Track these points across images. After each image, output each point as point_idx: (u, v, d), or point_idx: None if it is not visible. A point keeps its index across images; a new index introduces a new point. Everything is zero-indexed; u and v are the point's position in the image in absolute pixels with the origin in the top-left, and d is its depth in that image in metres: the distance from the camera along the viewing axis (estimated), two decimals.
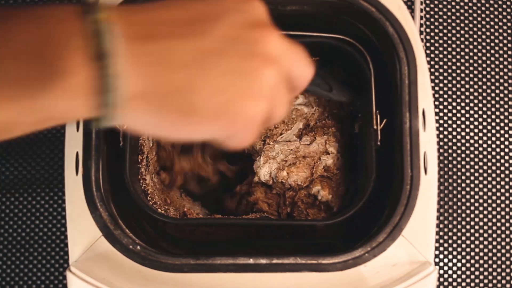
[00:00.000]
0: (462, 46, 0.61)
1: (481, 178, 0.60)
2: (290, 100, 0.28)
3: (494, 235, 0.59)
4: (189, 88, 0.23)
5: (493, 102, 0.61)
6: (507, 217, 0.59)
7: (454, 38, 0.62)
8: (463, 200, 0.59)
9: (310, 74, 0.28)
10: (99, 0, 0.23)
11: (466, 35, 0.62)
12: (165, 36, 0.23)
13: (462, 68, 0.61)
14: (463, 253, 0.59)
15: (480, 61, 0.61)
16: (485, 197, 0.59)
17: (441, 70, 0.61)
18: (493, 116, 0.60)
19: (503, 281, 0.58)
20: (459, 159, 0.60)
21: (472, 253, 0.59)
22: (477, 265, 0.58)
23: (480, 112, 0.61)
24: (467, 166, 0.60)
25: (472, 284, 0.58)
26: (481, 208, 0.59)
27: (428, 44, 0.61)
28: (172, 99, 0.23)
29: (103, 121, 0.23)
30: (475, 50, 0.61)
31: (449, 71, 0.61)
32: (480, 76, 0.61)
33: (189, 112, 0.24)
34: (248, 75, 0.24)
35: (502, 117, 0.60)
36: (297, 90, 0.29)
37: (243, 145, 0.28)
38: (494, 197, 0.59)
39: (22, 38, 0.21)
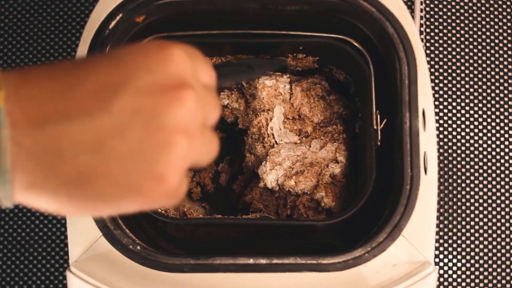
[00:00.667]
0: (462, 46, 0.61)
1: (481, 178, 0.60)
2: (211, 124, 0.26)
3: (494, 235, 0.59)
4: (88, 175, 0.21)
5: (493, 102, 0.61)
6: (507, 217, 0.59)
7: (454, 38, 0.62)
8: (463, 200, 0.59)
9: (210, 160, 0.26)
10: None
11: (466, 35, 0.62)
12: (61, 116, 0.21)
13: (462, 68, 0.61)
14: (463, 253, 0.59)
15: (480, 61, 0.61)
16: (485, 197, 0.59)
17: (441, 70, 0.61)
18: (493, 116, 0.60)
19: (503, 281, 0.58)
20: (459, 159, 0.60)
21: (472, 253, 0.59)
22: (477, 265, 0.58)
23: (480, 112, 0.61)
24: (467, 166, 0.60)
25: (472, 284, 0.58)
26: (481, 208, 0.59)
27: (428, 44, 0.61)
28: (71, 187, 0.21)
29: (3, 203, 0.21)
30: (475, 50, 0.61)
31: (449, 71, 0.61)
32: (480, 76, 0.61)
33: (92, 197, 0.22)
34: (151, 153, 0.22)
35: (502, 117, 0.60)
36: (211, 118, 0.26)
37: (172, 201, 0.25)
38: (494, 197, 0.59)
39: None
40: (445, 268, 0.58)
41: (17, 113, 0.20)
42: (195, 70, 0.24)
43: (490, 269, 0.58)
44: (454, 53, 0.61)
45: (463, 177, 0.60)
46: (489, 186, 0.59)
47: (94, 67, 0.22)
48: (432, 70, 0.61)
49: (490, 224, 0.59)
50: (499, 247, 0.59)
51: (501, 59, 0.61)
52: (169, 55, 0.23)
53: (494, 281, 0.58)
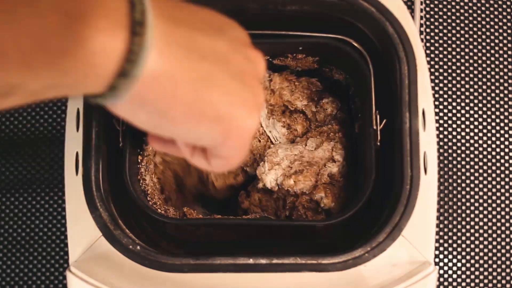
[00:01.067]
0: (462, 46, 0.61)
1: (481, 178, 0.60)
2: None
3: (494, 235, 0.59)
4: (206, 81, 0.23)
5: (493, 102, 0.61)
6: (507, 217, 0.59)
7: (454, 38, 0.62)
8: (463, 200, 0.59)
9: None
10: None
11: (466, 35, 0.62)
12: (188, 25, 0.23)
13: (462, 68, 0.61)
14: (463, 253, 0.59)
15: (480, 61, 0.61)
16: (485, 197, 0.59)
17: (441, 70, 0.61)
18: (493, 116, 0.60)
19: (503, 281, 0.58)
20: (459, 159, 0.60)
21: (472, 253, 0.59)
22: (477, 265, 0.58)
23: (480, 112, 0.61)
24: (467, 166, 0.60)
25: (472, 284, 0.58)
26: (481, 208, 0.59)
27: (428, 44, 0.61)
28: (186, 88, 0.22)
29: (112, 97, 0.22)
30: (475, 50, 0.61)
31: (449, 71, 0.61)
32: (480, 76, 0.61)
33: (198, 105, 0.23)
34: (249, 88, 0.25)
35: (502, 117, 0.60)
36: None
37: (233, 162, 0.27)
38: (494, 197, 0.59)
39: None
40: (445, 268, 0.58)
41: (157, 7, 0.22)
42: None
43: (490, 269, 0.58)
44: (454, 53, 0.61)
45: (463, 177, 0.60)
46: (489, 186, 0.59)
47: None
48: (432, 70, 0.61)
49: (490, 224, 0.59)
50: (499, 247, 0.59)
51: (501, 59, 0.61)
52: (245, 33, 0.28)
53: (494, 281, 0.58)
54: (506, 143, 0.60)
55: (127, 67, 0.21)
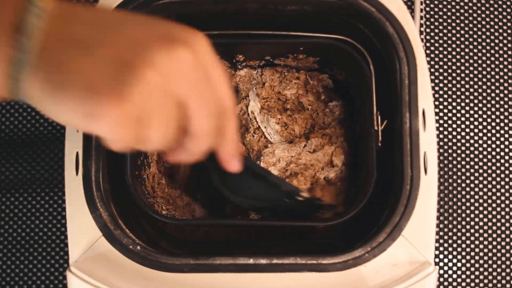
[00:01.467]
0: (462, 46, 0.61)
1: (481, 178, 0.60)
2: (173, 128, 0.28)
3: (494, 235, 0.59)
4: (69, 67, 0.25)
5: (493, 102, 0.61)
6: (507, 217, 0.59)
7: (454, 38, 0.62)
8: (463, 200, 0.59)
9: (205, 127, 0.29)
10: None
11: (466, 35, 0.62)
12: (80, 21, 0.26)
13: (462, 68, 0.61)
14: (463, 253, 0.59)
15: (480, 61, 0.61)
16: (485, 197, 0.59)
17: (441, 70, 0.61)
18: (493, 116, 0.60)
19: (503, 281, 0.58)
20: (459, 159, 0.60)
21: (472, 253, 0.59)
22: (477, 265, 0.58)
23: (480, 112, 0.61)
24: (467, 166, 0.60)
25: (472, 284, 0.58)
26: (481, 208, 0.59)
27: (428, 44, 0.61)
28: (54, 71, 0.25)
29: (13, 95, 0.25)
30: (475, 50, 0.61)
31: (449, 71, 0.61)
32: (480, 76, 0.61)
33: (61, 90, 0.25)
34: (124, 69, 0.25)
35: (502, 117, 0.60)
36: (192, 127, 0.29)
37: (115, 143, 0.27)
38: (494, 197, 0.59)
39: None
40: (445, 268, 0.58)
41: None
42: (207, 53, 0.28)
43: (490, 269, 0.58)
44: (454, 53, 0.61)
45: (463, 177, 0.60)
46: (489, 186, 0.59)
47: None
48: (432, 70, 0.61)
49: (490, 224, 0.59)
50: (499, 247, 0.59)
51: (501, 59, 0.61)
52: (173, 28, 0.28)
53: (494, 281, 0.58)
54: (506, 143, 0.60)
55: (14, 67, 0.25)
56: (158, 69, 0.25)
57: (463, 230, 0.59)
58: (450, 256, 0.59)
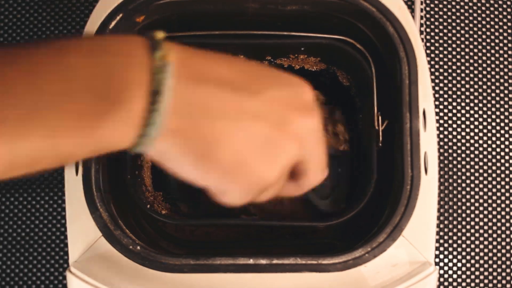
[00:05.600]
0: (462, 46, 0.61)
1: (481, 178, 0.60)
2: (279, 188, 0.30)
3: (494, 235, 0.59)
4: (218, 139, 0.25)
5: (493, 102, 0.61)
6: (507, 217, 0.59)
7: (454, 38, 0.62)
8: (463, 200, 0.59)
9: (319, 177, 0.30)
10: (163, 36, 0.25)
11: (466, 35, 0.62)
12: (215, 83, 0.24)
13: (462, 68, 0.61)
14: (463, 253, 0.59)
15: (480, 61, 0.61)
16: (485, 197, 0.59)
17: (441, 70, 0.61)
18: (493, 116, 0.60)
19: (503, 281, 0.58)
20: (459, 159, 0.60)
21: (472, 253, 0.59)
22: (477, 265, 0.58)
23: (480, 112, 0.60)
24: (467, 166, 0.60)
25: (472, 284, 0.58)
26: (481, 208, 0.59)
27: (428, 44, 0.61)
28: (199, 143, 0.24)
29: (136, 149, 0.25)
30: (475, 50, 0.61)
31: (449, 71, 0.61)
32: (480, 76, 0.61)
33: (208, 159, 0.25)
34: (271, 145, 0.26)
35: (502, 117, 0.60)
36: (300, 186, 0.31)
37: (233, 202, 0.28)
38: (494, 197, 0.59)
39: (86, 72, 0.22)
40: (445, 268, 0.58)
41: (181, 69, 0.24)
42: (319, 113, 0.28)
43: (490, 269, 0.58)
44: (454, 53, 0.61)
45: (463, 177, 0.60)
46: (489, 186, 0.59)
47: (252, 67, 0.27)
48: (432, 70, 0.61)
49: (490, 224, 0.59)
50: (499, 247, 0.59)
51: (501, 59, 0.61)
52: (305, 87, 0.28)
53: (494, 281, 0.58)
54: (506, 143, 0.60)
55: (146, 129, 0.23)
56: (298, 140, 0.27)
57: (463, 230, 0.59)
58: (450, 256, 0.59)
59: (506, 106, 0.61)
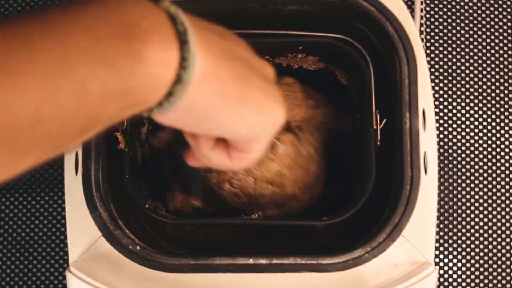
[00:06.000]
0: (462, 46, 0.61)
1: (481, 178, 0.60)
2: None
3: (494, 235, 0.59)
4: (243, 78, 0.25)
5: (493, 102, 0.61)
6: (507, 217, 0.59)
7: (454, 38, 0.62)
8: (463, 200, 0.59)
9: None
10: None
11: (466, 35, 0.62)
12: (215, 32, 0.26)
13: (462, 68, 0.61)
14: (463, 253, 0.59)
15: (480, 61, 0.61)
16: (485, 197, 0.59)
17: (441, 70, 0.61)
18: (493, 116, 0.60)
19: (503, 281, 0.58)
20: (459, 159, 0.60)
21: (472, 253, 0.59)
22: (477, 265, 0.58)
23: (480, 112, 0.60)
24: (467, 166, 0.60)
25: (472, 284, 0.58)
26: (481, 208, 0.59)
27: (428, 44, 0.61)
28: (230, 85, 0.25)
29: (168, 104, 0.24)
30: (475, 50, 0.61)
31: (449, 71, 0.61)
32: (480, 76, 0.61)
33: (241, 100, 0.25)
34: (272, 86, 0.28)
35: (502, 117, 0.60)
36: None
37: (255, 155, 0.30)
38: (494, 197, 0.59)
39: (110, 18, 0.22)
40: (445, 268, 0.58)
41: (189, 18, 0.24)
42: None
43: (490, 269, 0.58)
44: (454, 53, 0.61)
45: (463, 177, 0.60)
46: (489, 186, 0.59)
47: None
48: (432, 70, 0.61)
49: (490, 224, 0.59)
50: (499, 247, 0.59)
51: (501, 59, 0.61)
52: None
53: (494, 281, 0.58)
54: (506, 143, 0.60)
55: (181, 73, 0.23)
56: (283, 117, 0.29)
57: (463, 230, 0.59)
58: (450, 256, 0.59)
59: (506, 106, 0.61)
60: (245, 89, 0.26)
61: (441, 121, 0.60)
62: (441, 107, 0.60)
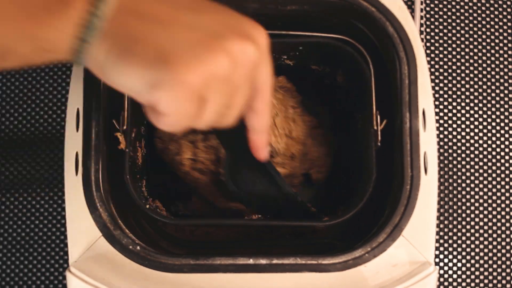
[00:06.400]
0: (462, 46, 0.61)
1: (481, 178, 0.60)
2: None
3: (494, 235, 0.59)
4: (142, 37, 0.26)
5: (493, 102, 0.61)
6: (507, 217, 0.59)
7: (454, 38, 0.62)
8: (463, 200, 0.59)
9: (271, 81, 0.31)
10: None
11: (466, 35, 0.62)
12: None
13: (462, 68, 0.61)
14: (463, 253, 0.59)
15: (480, 61, 0.61)
16: (485, 197, 0.59)
17: (441, 70, 0.61)
18: (493, 116, 0.60)
19: (503, 281, 0.58)
20: (459, 159, 0.60)
21: (472, 253, 0.59)
22: (477, 265, 0.58)
23: (480, 112, 0.60)
24: (467, 166, 0.60)
25: (472, 284, 0.58)
26: (481, 208, 0.59)
27: (428, 44, 0.61)
28: (122, 40, 0.26)
29: (75, 57, 0.26)
30: (475, 50, 0.61)
31: (449, 71, 0.61)
32: (480, 76, 0.61)
33: (130, 55, 0.26)
34: (200, 49, 0.26)
35: (502, 117, 0.60)
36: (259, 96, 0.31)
37: (171, 121, 0.28)
38: (494, 197, 0.59)
39: None
40: (445, 268, 0.58)
41: None
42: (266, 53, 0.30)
43: (490, 269, 0.58)
44: (454, 53, 0.61)
45: (463, 177, 0.60)
46: (489, 186, 0.59)
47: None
48: (432, 70, 0.61)
49: (490, 224, 0.59)
50: (499, 247, 0.59)
51: (501, 59, 0.61)
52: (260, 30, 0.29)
53: (494, 281, 0.58)
54: (506, 143, 0.60)
55: (83, 32, 0.25)
56: (230, 57, 0.27)
57: (463, 230, 0.59)
58: (450, 256, 0.59)
59: (506, 106, 0.61)
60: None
61: (441, 121, 0.60)
62: (441, 107, 0.60)
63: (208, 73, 0.26)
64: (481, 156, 0.60)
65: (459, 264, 0.58)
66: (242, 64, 0.27)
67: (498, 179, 0.60)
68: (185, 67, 0.26)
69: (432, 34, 0.61)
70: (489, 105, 0.61)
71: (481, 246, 0.59)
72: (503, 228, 0.59)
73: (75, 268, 0.41)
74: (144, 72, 0.26)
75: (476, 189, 0.59)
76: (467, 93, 0.61)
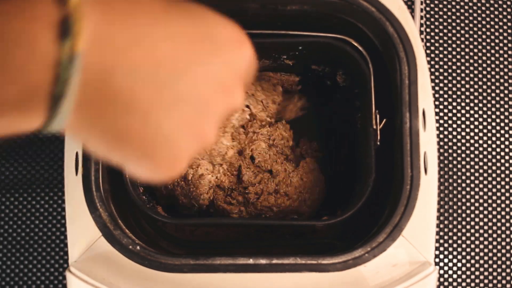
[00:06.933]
0: (462, 46, 0.61)
1: (481, 178, 0.60)
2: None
3: (494, 235, 0.59)
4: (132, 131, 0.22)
5: (493, 102, 0.61)
6: (507, 217, 0.59)
7: (454, 38, 0.62)
8: (463, 200, 0.59)
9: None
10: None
11: (466, 35, 0.62)
12: (130, 69, 0.21)
13: (462, 68, 0.61)
14: (463, 253, 0.59)
15: (480, 61, 0.61)
16: (485, 197, 0.59)
17: (441, 70, 0.61)
18: (493, 116, 0.60)
19: (503, 281, 0.58)
20: (459, 159, 0.60)
21: (472, 253, 0.59)
22: (477, 265, 0.58)
23: (480, 112, 0.60)
24: (467, 166, 0.60)
25: (472, 284, 0.58)
26: (481, 208, 0.59)
27: (428, 44, 0.61)
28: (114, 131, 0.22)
29: (49, 130, 0.22)
30: (475, 50, 0.61)
31: (449, 71, 0.61)
32: (480, 76, 0.61)
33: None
34: (187, 134, 0.23)
35: (502, 117, 0.60)
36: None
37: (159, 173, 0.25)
38: (494, 197, 0.59)
39: None
40: (445, 268, 0.58)
41: (91, 57, 0.20)
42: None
43: (490, 269, 0.58)
44: (454, 53, 0.61)
45: (463, 177, 0.60)
46: (489, 186, 0.59)
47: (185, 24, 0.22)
48: (432, 70, 0.61)
49: (490, 224, 0.59)
50: (499, 247, 0.59)
51: (501, 59, 0.61)
52: (248, 54, 0.25)
53: (494, 281, 0.58)
54: (506, 143, 0.60)
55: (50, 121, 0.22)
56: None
57: (463, 230, 0.59)
58: (450, 256, 0.59)
59: (506, 106, 0.61)
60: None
61: (441, 121, 0.60)
62: (441, 107, 0.60)
63: (193, 154, 0.25)
64: (481, 156, 0.60)
65: (459, 264, 0.58)
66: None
67: (498, 179, 0.60)
68: (172, 171, 0.24)
69: (432, 34, 0.61)
70: (489, 105, 0.60)
71: (481, 246, 0.59)
72: (503, 228, 0.59)
73: (75, 268, 0.41)
74: (130, 160, 0.23)
75: (476, 189, 0.59)
76: (467, 93, 0.61)
